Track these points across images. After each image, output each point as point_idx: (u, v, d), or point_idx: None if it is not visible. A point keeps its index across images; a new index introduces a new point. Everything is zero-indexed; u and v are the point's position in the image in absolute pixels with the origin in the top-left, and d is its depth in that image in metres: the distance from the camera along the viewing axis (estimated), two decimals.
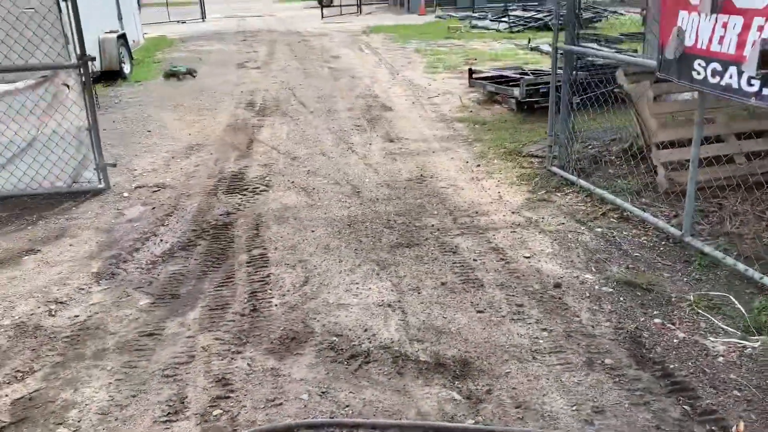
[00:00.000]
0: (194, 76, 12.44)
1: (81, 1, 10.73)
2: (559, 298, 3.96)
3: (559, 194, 5.75)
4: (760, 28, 3.55)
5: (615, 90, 6.05)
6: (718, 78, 3.89)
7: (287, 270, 4.42)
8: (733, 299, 3.85)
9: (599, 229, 4.98)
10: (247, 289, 4.18)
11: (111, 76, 12.18)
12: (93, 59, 5.67)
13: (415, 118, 8.77)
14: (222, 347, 3.52)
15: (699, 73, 4.05)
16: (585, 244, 4.72)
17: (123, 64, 12.44)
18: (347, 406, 3.01)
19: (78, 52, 5.59)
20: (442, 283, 4.18)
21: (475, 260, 4.51)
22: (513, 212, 5.38)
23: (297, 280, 4.27)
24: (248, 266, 4.50)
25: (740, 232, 4.79)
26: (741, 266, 4.12)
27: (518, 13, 22.73)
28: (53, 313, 3.92)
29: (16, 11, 5.45)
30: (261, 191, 6.03)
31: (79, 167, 5.97)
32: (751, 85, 3.64)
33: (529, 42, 15.56)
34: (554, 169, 6.18)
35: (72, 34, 5.54)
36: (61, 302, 4.04)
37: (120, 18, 13.19)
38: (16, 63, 5.57)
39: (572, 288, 4.08)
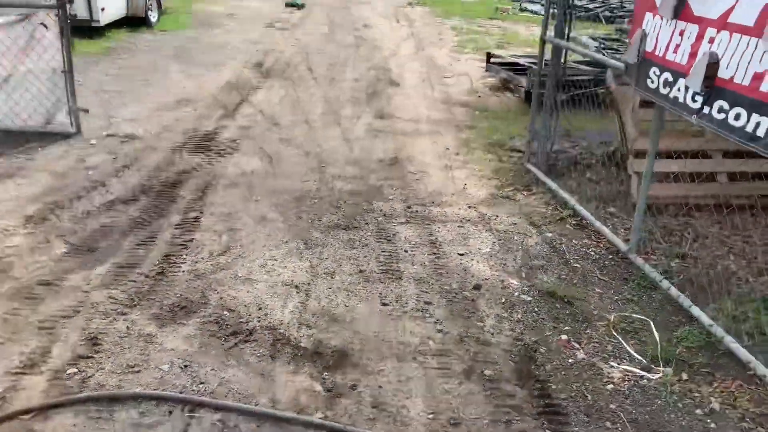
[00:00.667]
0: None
1: None
2: (472, 301, 3.81)
3: (525, 193, 5.52)
4: (711, 40, 3.27)
5: (601, 91, 5.75)
6: (668, 89, 3.62)
7: (212, 237, 4.36)
8: (653, 326, 3.63)
9: (549, 234, 4.77)
10: (164, 251, 4.13)
11: (136, 23, 12.24)
12: (71, 1, 5.61)
13: (418, 97, 8.56)
14: (111, 306, 3.49)
15: (653, 82, 3.78)
16: (527, 248, 4.52)
17: (150, 12, 12.47)
18: (203, 382, 2.95)
19: None
20: (360, 271, 4.05)
21: (406, 251, 4.36)
22: (470, 206, 5.19)
23: (217, 248, 4.21)
24: (176, 228, 4.46)
25: (698, 255, 4.52)
26: (674, 291, 3.88)
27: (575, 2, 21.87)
28: None
29: None
30: (226, 153, 5.97)
31: (53, 109, 6.01)
32: (694, 101, 3.37)
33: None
34: (530, 166, 5.94)
35: None
36: None
37: None
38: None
39: (491, 291, 3.92)
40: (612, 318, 3.71)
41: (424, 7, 19.54)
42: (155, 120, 6.80)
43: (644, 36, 3.90)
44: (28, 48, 5.75)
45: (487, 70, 9.86)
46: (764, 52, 2.89)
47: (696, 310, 3.66)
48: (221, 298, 3.65)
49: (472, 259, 4.32)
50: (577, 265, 4.34)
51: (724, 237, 4.79)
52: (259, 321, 3.46)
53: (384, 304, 3.71)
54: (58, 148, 5.81)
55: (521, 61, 9.25)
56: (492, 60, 9.82)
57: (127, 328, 3.31)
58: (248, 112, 7.35)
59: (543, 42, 5.65)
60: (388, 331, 3.45)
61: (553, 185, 5.47)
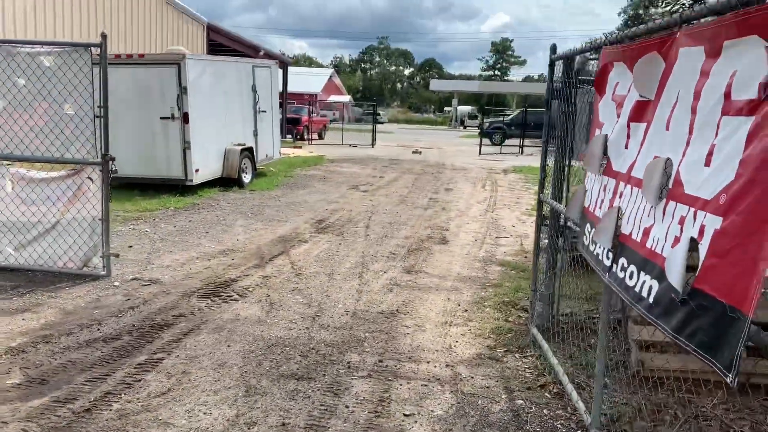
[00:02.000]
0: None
1: (216, 117, 12.34)
2: None
3: (516, 356, 5.12)
4: (621, 194, 3.05)
5: None
6: (593, 246, 3.35)
7: (161, 378, 4.39)
8: None
9: (520, 402, 4.32)
10: (107, 389, 4.20)
11: (231, 182, 13.46)
12: (113, 159, 6.36)
13: (460, 255, 8.47)
14: None
15: (586, 239, 3.52)
16: (486, 416, 4.11)
17: (243, 174, 13.70)
18: None
19: (102, 151, 6.33)
20: (283, 424, 3.86)
21: (347, 407, 4.12)
22: (448, 365, 4.88)
23: (157, 389, 4.22)
24: (135, 367, 4.54)
25: None
26: None
27: None
28: None
29: (59, 114, 6.36)
30: (232, 300, 6.14)
31: (90, 253, 6.58)
32: (607, 258, 3.09)
33: None
34: (532, 327, 5.55)
35: (99, 136, 6.31)
36: None
37: (255, 134, 14.69)
38: (54, 155, 6.43)
39: None
40: None
41: (518, 174, 19.89)
42: (187, 267, 7.21)
43: (585, 191, 3.71)
44: (74, 198, 6.46)
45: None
46: (650, 205, 2.65)
47: None
48: None
49: (416, 422, 3.98)
50: None
51: (729, 420, 4.08)
52: None
53: None
54: (83, 288, 6.27)
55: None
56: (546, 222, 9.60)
57: None
58: (280, 263, 7.61)
59: (540, 203, 5.51)
60: None
61: (546, 348, 5.03)
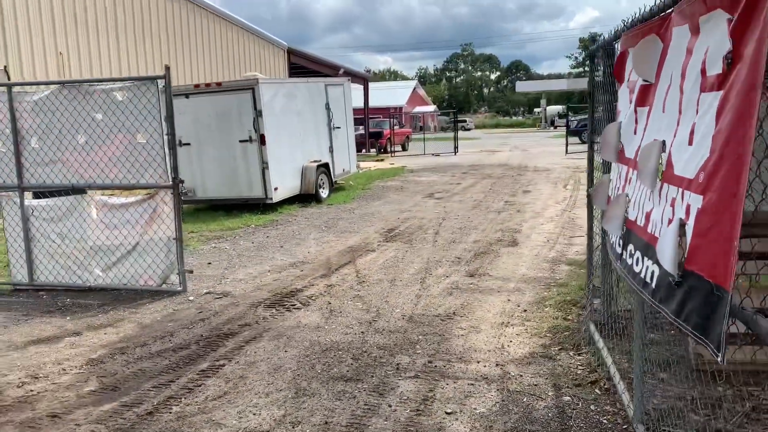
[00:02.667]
0: None
1: (292, 137, 12.86)
2: None
3: (571, 353, 5.04)
4: (629, 180, 3.01)
5: None
6: (610, 235, 3.30)
7: (219, 383, 4.67)
8: None
9: (567, 398, 4.27)
10: (170, 394, 4.52)
11: (309, 198, 13.92)
12: (182, 181, 6.81)
13: (528, 257, 8.38)
14: None
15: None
16: (530, 413, 4.09)
17: (321, 189, 14.13)
18: None
19: (172, 175, 6.81)
20: (326, 422, 4.01)
21: (389, 406, 4.22)
22: (498, 364, 4.88)
23: (214, 393, 4.49)
24: (199, 374, 4.85)
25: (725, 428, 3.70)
26: None
27: None
28: (20, 384, 4.73)
29: (132, 143, 6.90)
30: (295, 308, 6.40)
31: (167, 271, 7.06)
32: (619, 245, 3.04)
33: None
34: (590, 324, 5.43)
35: (168, 161, 6.79)
36: (34, 376, 4.86)
37: (331, 151, 15.13)
38: (131, 182, 6.98)
39: None
40: None
41: None
42: (258, 280, 7.57)
43: (609, 180, 3.65)
44: (151, 220, 6.97)
45: None
46: (648, 189, 2.61)
47: None
48: None
49: (456, 419, 4.02)
50: None
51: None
52: None
53: None
54: (161, 303, 6.74)
55: None
56: None
57: None
58: (346, 272, 7.82)
59: (589, 197, 5.40)
60: None
61: (601, 345, 4.92)
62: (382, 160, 28.00)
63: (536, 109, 78.32)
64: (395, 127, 34.34)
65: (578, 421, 3.93)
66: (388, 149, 32.28)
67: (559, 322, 5.71)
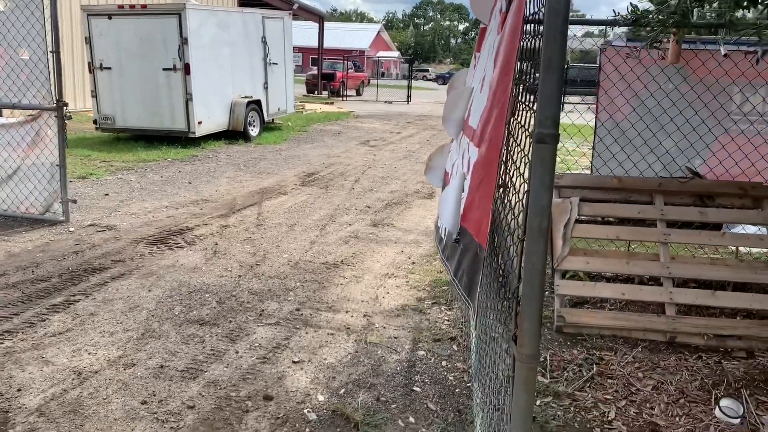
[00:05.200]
0: None
1: (221, 69, 12.26)
2: (245, 412, 3.38)
3: (443, 308, 4.94)
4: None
5: None
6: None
7: (66, 319, 4.42)
8: None
9: (422, 353, 4.16)
10: (8, 327, 4.25)
11: (236, 135, 13.46)
12: (66, 104, 6.36)
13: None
14: None
15: None
16: (379, 365, 3.98)
17: (250, 127, 13.66)
18: None
19: (56, 97, 6.34)
20: (162, 366, 3.82)
21: (236, 352, 4.05)
22: (365, 315, 4.75)
23: (58, 329, 4.24)
24: (48, 309, 4.58)
25: (581, 396, 3.66)
26: None
27: None
28: None
29: (14, 59, 6.39)
30: (178, 247, 6.13)
31: (50, 199, 6.67)
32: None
33: None
34: None
35: (53, 82, 6.32)
36: None
37: (266, 87, 14.59)
38: (12, 101, 6.48)
39: (279, 405, 3.46)
40: None
41: None
42: (152, 215, 7.24)
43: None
44: (33, 144, 6.53)
45: None
46: (454, 138, 2.41)
47: None
48: None
49: (302, 368, 3.88)
50: (417, 389, 3.70)
51: (635, 380, 3.83)
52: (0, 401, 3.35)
53: (143, 402, 3.42)
54: (38, 233, 6.38)
55: None
56: None
57: None
58: (247, 213, 7.56)
59: None
60: (120, 423, 3.15)
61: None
62: (331, 103, 27.42)
63: None
64: (350, 71, 33.59)
65: (424, 377, 3.84)
66: (341, 93, 31.62)
67: (442, 276, 5.60)
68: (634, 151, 4.87)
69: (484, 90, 1.93)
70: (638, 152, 4.87)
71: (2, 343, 4.02)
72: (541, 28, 1.46)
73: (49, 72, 6.32)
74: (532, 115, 1.68)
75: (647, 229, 4.74)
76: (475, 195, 1.88)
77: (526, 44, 1.79)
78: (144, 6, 12.02)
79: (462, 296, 2.01)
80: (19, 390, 3.48)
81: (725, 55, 4.32)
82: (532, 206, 1.48)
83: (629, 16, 3.22)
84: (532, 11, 1.72)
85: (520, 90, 2.02)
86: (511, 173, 2.15)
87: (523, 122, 1.91)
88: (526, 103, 1.84)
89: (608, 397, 3.64)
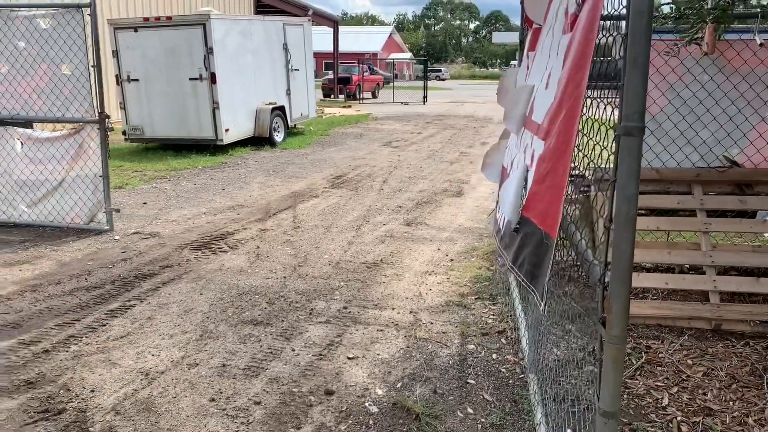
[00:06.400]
0: None
1: (246, 77, 12.46)
2: (309, 406, 3.51)
3: (486, 303, 5.04)
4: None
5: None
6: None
7: (126, 323, 4.58)
8: None
9: (472, 346, 4.27)
10: (72, 333, 4.42)
11: (262, 142, 13.65)
12: (108, 116, 6.55)
13: (469, 207, 8.34)
14: None
15: None
16: (431, 360, 4.09)
17: (275, 133, 13.85)
18: None
19: (98, 110, 6.54)
20: (223, 365, 3.96)
21: (293, 350, 4.19)
22: (411, 312, 4.86)
23: (119, 333, 4.40)
24: (107, 314, 4.75)
25: (632, 384, 3.74)
26: (543, 429, 3.23)
27: None
28: None
29: (57, 75, 6.59)
30: (221, 251, 6.29)
31: (94, 209, 6.87)
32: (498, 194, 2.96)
33: None
34: (510, 275, 5.43)
35: (95, 95, 6.51)
36: None
37: (288, 93, 14.77)
38: (56, 115, 6.69)
39: (341, 399, 3.58)
40: None
41: None
42: (191, 221, 7.42)
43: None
44: (77, 156, 6.73)
45: None
46: (515, 134, 2.52)
47: None
48: (71, 377, 3.78)
49: (357, 364, 4.00)
50: (472, 381, 3.81)
51: (685, 367, 3.90)
52: (73, 403, 3.51)
53: (212, 400, 3.56)
54: (85, 242, 6.57)
55: None
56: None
57: None
58: (283, 217, 7.71)
59: None
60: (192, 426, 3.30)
61: (515, 295, 4.93)
62: (349, 106, 27.59)
63: (513, 62, 77.63)
64: (366, 74, 33.76)
65: (477, 369, 3.95)
66: (357, 96, 31.79)
67: (482, 272, 5.70)
68: (670, 143, 4.94)
69: (551, 86, 2.03)
70: (675, 143, 4.93)
71: (69, 347, 4.18)
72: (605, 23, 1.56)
73: (90, 85, 6.50)
74: (605, 108, 1.79)
75: (687, 219, 4.81)
76: (540, 186, 1.98)
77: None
78: (169, 18, 12.24)
79: (524, 283, 2.11)
80: (92, 391, 3.63)
81: (761, 45, 4.38)
82: (620, 195, 1.59)
83: (672, 14, 3.31)
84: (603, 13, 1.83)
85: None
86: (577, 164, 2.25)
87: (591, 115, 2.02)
88: (601, 99, 1.94)
89: (659, 384, 3.71)
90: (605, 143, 2.12)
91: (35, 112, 6.76)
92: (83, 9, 6.43)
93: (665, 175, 4.85)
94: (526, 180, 2.12)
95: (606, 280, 1.71)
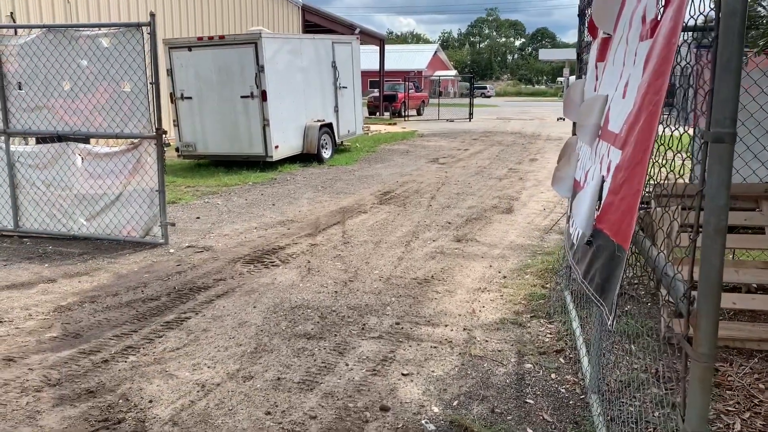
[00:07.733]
0: None
1: (295, 94, 12.66)
2: (365, 422, 3.46)
3: (542, 321, 4.92)
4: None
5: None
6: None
7: (182, 335, 4.62)
8: None
9: (529, 365, 4.17)
10: (129, 343, 4.49)
11: (310, 158, 13.79)
12: (165, 132, 6.70)
13: (521, 224, 8.22)
14: (34, 383, 3.87)
15: None
16: (488, 378, 4.00)
17: (323, 149, 13.98)
18: None
19: (156, 126, 6.70)
20: (278, 378, 3.96)
21: (347, 365, 4.15)
22: (465, 329, 4.78)
23: (176, 344, 4.45)
24: (163, 325, 4.81)
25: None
26: None
27: None
28: None
29: (117, 92, 6.79)
30: (273, 266, 6.33)
31: (150, 222, 7.01)
32: (570, 208, 2.88)
33: None
34: (566, 293, 5.30)
35: (152, 111, 6.68)
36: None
37: (336, 110, 14.91)
38: (115, 131, 6.88)
39: (397, 416, 3.53)
40: None
41: None
42: (243, 236, 7.50)
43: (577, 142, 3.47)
44: (135, 171, 6.89)
45: None
46: (588, 146, 2.45)
47: None
48: (129, 387, 3.82)
49: (411, 381, 3.94)
50: (530, 401, 3.71)
51: (757, 391, 3.72)
52: (132, 413, 3.54)
53: (267, 413, 3.55)
54: (141, 255, 6.70)
55: None
56: None
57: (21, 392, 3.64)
58: (333, 232, 7.73)
59: None
60: None
61: (573, 314, 4.80)
62: (394, 123, 27.70)
63: (559, 79, 76.84)
64: (411, 91, 33.88)
65: (535, 389, 3.84)
66: (402, 113, 31.91)
67: (536, 290, 5.58)
68: (736, 158, 4.74)
69: (629, 95, 1.96)
70: (741, 158, 4.74)
71: (127, 358, 4.24)
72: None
73: (148, 102, 6.67)
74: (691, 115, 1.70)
75: (755, 237, 4.61)
76: (616, 196, 1.91)
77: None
78: (222, 37, 12.53)
79: (594, 297, 2.03)
80: (150, 401, 3.66)
81: None
82: (709, 205, 1.51)
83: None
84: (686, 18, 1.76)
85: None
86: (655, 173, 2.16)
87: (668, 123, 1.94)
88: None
89: (730, 408, 3.54)
90: (663, 161, 2.04)
91: (95, 128, 6.96)
92: (143, 28, 6.62)
93: (731, 190, 4.66)
94: (600, 191, 2.05)
95: (692, 295, 1.63)
